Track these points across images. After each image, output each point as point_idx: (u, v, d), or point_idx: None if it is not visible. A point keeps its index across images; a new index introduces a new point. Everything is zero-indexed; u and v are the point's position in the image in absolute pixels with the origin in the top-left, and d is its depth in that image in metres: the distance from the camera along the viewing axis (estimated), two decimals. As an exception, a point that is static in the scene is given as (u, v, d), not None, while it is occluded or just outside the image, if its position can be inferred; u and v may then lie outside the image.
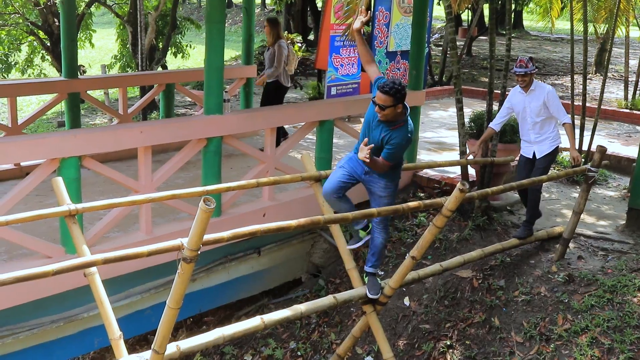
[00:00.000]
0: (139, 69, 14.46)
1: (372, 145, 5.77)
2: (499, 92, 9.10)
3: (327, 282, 8.96)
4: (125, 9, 20.46)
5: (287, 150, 8.45)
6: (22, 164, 9.13)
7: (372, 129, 6.03)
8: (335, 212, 6.38)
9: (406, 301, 7.99)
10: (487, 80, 17.04)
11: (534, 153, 7.92)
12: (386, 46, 14.98)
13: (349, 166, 6.29)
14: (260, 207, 8.02)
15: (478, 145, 8.36)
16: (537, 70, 7.84)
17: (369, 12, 6.23)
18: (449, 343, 7.30)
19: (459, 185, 5.52)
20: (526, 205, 8.18)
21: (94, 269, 4.98)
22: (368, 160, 5.71)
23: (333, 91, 13.46)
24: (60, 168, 6.35)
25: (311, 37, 26.21)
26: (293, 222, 4.76)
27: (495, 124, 8.24)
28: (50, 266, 3.75)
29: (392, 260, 8.59)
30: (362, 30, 6.22)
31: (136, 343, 8.68)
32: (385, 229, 6.43)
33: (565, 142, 8.05)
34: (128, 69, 19.90)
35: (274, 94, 10.59)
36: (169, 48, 18.99)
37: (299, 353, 8.17)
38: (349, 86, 13.97)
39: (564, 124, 7.80)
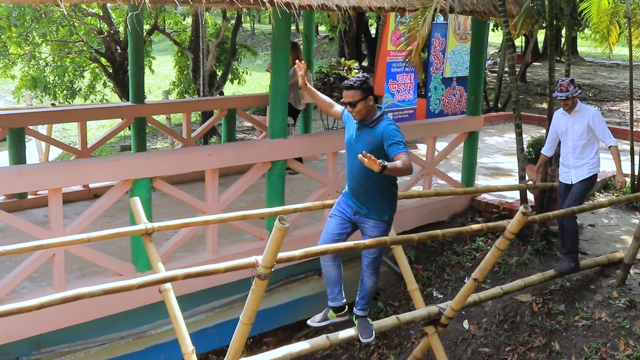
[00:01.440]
0: (200, 94, 14.80)
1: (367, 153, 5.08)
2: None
3: (386, 304, 9.06)
4: (183, 37, 20.98)
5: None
6: (91, 185, 9.48)
7: (357, 144, 5.66)
8: (327, 276, 6.14)
9: (465, 324, 8.04)
10: (541, 106, 17.02)
11: (575, 180, 7.78)
12: (442, 72, 15.14)
13: (338, 211, 5.95)
14: (321, 229, 8.16)
15: (535, 172, 8.40)
16: (579, 93, 7.72)
17: (304, 65, 6.19)
18: (508, 366, 7.34)
19: (521, 208, 5.61)
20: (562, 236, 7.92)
21: (168, 286, 5.19)
22: (382, 165, 5.03)
23: (389, 117, 13.60)
24: (132, 189, 6.62)
25: (364, 63, 26.46)
26: (360, 243, 4.91)
27: (546, 150, 8.23)
28: (134, 280, 3.96)
29: (451, 283, 8.68)
30: (308, 83, 6.30)
31: (199, 361, 8.86)
32: (376, 272, 6.12)
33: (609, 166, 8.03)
34: (186, 95, 20.34)
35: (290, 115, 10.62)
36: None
37: (358, 374, 8.27)
38: (405, 112, 14.13)
39: (609, 147, 7.65)
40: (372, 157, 4.97)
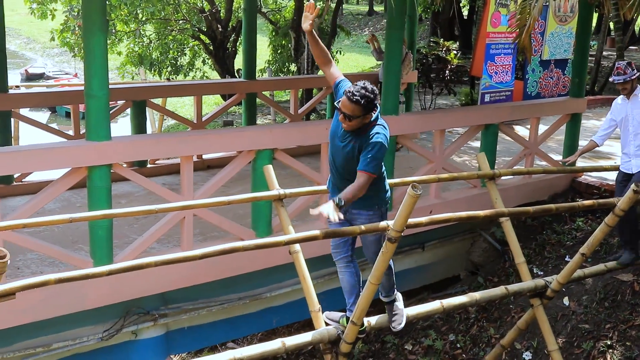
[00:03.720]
0: (302, 72, 15.21)
1: (333, 206, 4.72)
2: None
3: (486, 279, 9.32)
4: (278, 17, 21.46)
5: (454, 151, 8.92)
6: (204, 156, 10.01)
7: (341, 142, 5.14)
8: (342, 284, 5.73)
9: (565, 301, 8.23)
10: None
11: (636, 169, 7.56)
12: (540, 55, 15.12)
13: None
14: (427, 204, 8.49)
15: (576, 156, 8.31)
16: (638, 74, 7.43)
17: (317, 6, 5.10)
18: (609, 343, 7.49)
19: (632, 186, 5.80)
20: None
21: (298, 248, 5.59)
22: (339, 205, 4.72)
23: (487, 98, 13.73)
24: (255, 159, 7.07)
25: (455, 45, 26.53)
26: (480, 213, 5.21)
27: (597, 137, 8.02)
28: (281, 237, 4.41)
29: (552, 261, 8.87)
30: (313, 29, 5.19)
31: (301, 328, 9.30)
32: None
33: None
34: (280, 74, 20.83)
35: None
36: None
37: (458, 345, 8.55)
38: (502, 93, 14.19)
39: None
40: (326, 210, 4.68)
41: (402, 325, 5.64)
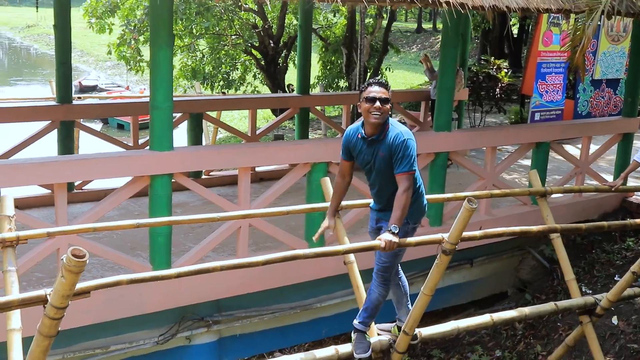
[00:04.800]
0: (352, 88, 15.40)
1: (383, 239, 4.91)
2: None
3: (533, 297, 9.35)
4: (328, 33, 21.72)
5: (505, 169, 9.01)
6: (257, 169, 10.24)
7: (375, 161, 5.25)
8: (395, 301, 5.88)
9: (614, 320, 8.23)
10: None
11: None
12: (592, 74, 15.10)
13: (370, 227, 5.71)
14: (477, 220, 8.54)
15: (621, 178, 8.11)
16: None
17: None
18: (657, 363, 7.52)
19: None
20: None
21: (353, 258, 5.76)
22: (394, 233, 4.91)
23: (537, 116, 13.76)
24: (311, 172, 7.26)
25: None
26: (533, 228, 5.32)
27: (639, 156, 8.02)
28: (344, 246, 4.57)
29: (601, 280, 8.88)
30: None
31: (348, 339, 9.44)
32: (384, 284, 5.55)
33: None
34: (329, 89, 21.08)
35: None
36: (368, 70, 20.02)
37: (504, 361, 8.63)
38: (552, 112, 14.21)
39: None
40: (386, 242, 4.87)
41: (368, 354, 5.53)
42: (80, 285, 3.83)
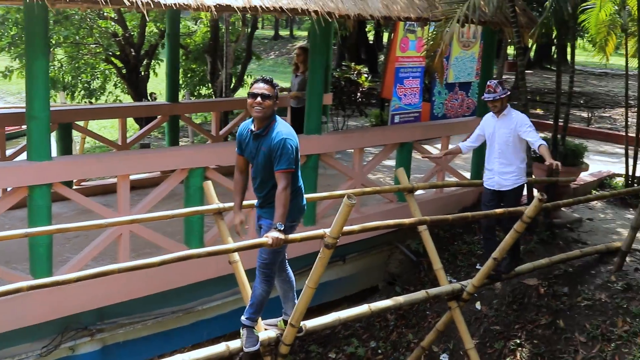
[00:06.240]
0: (219, 95, 15.51)
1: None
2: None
3: (403, 289, 9.85)
4: (188, 41, 21.70)
5: (373, 168, 9.48)
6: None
7: (257, 156, 5.58)
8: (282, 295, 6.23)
9: (478, 305, 8.85)
10: (537, 112, 17.95)
11: (498, 187, 7.83)
12: (445, 78, 15.96)
13: (256, 225, 5.96)
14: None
15: (442, 154, 8.70)
16: (508, 93, 7.70)
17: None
18: (518, 342, 8.13)
19: (537, 195, 6.47)
20: (487, 248, 7.94)
21: (237, 257, 6.00)
22: (279, 230, 5.24)
23: (397, 119, 14.41)
24: (188, 177, 7.42)
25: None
26: (406, 221, 5.75)
27: (464, 145, 8.32)
28: (233, 244, 4.81)
29: (464, 269, 9.50)
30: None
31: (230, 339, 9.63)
32: (268, 280, 5.79)
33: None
34: (192, 97, 21.06)
35: (302, 119, 9.88)
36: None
37: (379, 351, 9.06)
38: (411, 115, 14.91)
39: (539, 147, 7.57)
40: (273, 239, 5.19)
41: (256, 346, 5.81)
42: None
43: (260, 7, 6.74)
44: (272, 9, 6.92)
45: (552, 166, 7.49)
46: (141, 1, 5.82)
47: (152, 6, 5.90)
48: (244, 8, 6.61)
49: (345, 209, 5.01)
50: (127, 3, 5.78)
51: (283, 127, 5.50)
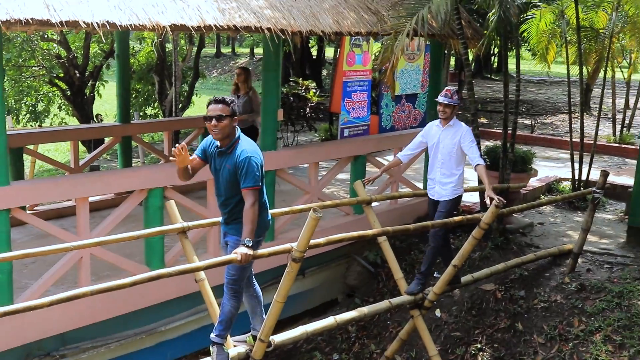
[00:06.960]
0: (168, 115, 15.45)
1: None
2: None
3: (362, 300, 9.95)
4: (133, 61, 21.57)
5: (328, 182, 9.56)
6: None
7: (221, 173, 5.60)
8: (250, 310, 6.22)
9: (437, 313, 8.99)
10: (481, 120, 18.30)
11: (438, 196, 7.73)
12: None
13: (221, 242, 5.97)
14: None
15: (380, 172, 8.12)
16: (460, 104, 7.71)
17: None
18: (479, 346, 8.29)
19: (494, 202, 6.64)
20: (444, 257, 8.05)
21: (203, 276, 6.01)
22: (247, 245, 5.26)
23: (346, 133, 14.58)
24: (147, 197, 7.42)
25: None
26: (369, 232, 5.84)
27: (403, 155, 8.13)
28: (203, 262, 4.82)
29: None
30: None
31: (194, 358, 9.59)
32: (236, 296, 5.79)
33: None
34: (140, 117, 20.93)
35: (252, 138, 10.33)
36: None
37: (342, 363, 9.14)
38: (360, 128, 15.10)
39: (476, 166, 7.51)
40: (242, 255, 5.20)
41: None
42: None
43: (215, 25, 6.79)
44: (226, 27, 6.97)
45: (491, 201, 7.13)
46: (97, 23, 5.81)
47: (109, 28, 5.90)
48: (199, 27, 6.66)
49: (312, 223, 5.08)
50: (84, 25, 5.77)
51: (247, 145, 5.50)
